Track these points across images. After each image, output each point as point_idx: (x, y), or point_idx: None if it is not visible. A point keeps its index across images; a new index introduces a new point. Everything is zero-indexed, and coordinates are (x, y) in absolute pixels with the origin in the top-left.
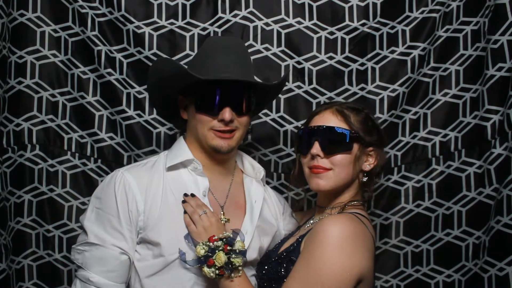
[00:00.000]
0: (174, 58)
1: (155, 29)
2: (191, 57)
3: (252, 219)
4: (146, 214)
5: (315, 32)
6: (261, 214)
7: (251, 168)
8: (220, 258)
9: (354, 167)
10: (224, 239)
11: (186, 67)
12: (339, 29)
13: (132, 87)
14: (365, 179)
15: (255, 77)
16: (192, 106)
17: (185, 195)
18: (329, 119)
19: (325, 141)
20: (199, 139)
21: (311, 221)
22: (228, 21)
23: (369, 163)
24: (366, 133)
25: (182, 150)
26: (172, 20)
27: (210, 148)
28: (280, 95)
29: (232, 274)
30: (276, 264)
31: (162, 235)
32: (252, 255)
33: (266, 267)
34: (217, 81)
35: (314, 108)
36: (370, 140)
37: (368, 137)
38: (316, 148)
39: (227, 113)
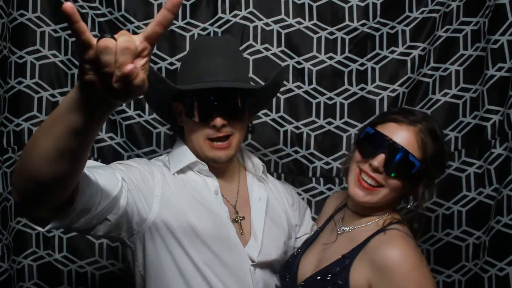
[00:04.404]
0: (174, 58)
1: None
2: None
3: (259, 218)
4: (162, 205)
5: (315, 32)
6: (269, 210)
7: (251, 165)
8: None
9: (402, 190)
10: None
11: (165, 77)
12: (339, 29)
13: None
14: (409, 205)
15: (253, 75)
16: (184, 114)
17: None
18: (407, 139)
19: (391, 160)
20: (195, 150)
21: (345, 228)
22: (228, 21)
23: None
24: (432, 168)
25: (184, 153)
26: None
27: (208, 159)
28: (280, 95)
29: None
30: (319, 285)
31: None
32: (270, 255)
33: (307, 282)
34: (203, 88)
35: (314, 108)
36: (434, 174)
37: (432, 171)
38: (378, 162)
39: (218, 119)
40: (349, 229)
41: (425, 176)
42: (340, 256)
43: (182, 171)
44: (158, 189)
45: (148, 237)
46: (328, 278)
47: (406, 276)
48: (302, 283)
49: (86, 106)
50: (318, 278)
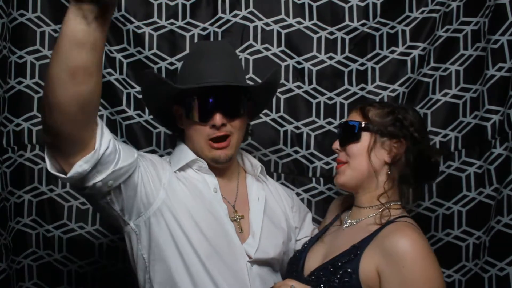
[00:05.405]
0: (174, 58)
1: (155, 29)
2: None
3: (257, 217)
4: (168, 194)
5: (315, 32)
6: (267, 210)
7: (250, 166)
8: None
9: (368, 157)
10: None
11: (165, 79)
12: (339, 29)
13: (132, 87)
14: (386, 168)
15: (253, 75)
16: (184, 115)
17: None
18: (351, 115)
19: (341, 135)
20: (196, 151)
21: (351, 221)
22: (228, 21)
23: (390, 154)
24: (382, 124)
25: (184, 153)
26: (172, 20)
27: (208, 159)
28: (280, 95)
29: None
30: (329, 272)
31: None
32: (267, 253)
33: (315, 273)
34: (203, 88)
35: (314, 108)
36: (388, 131)
37: (384, 127)
38: (336, 144)
39: (217, 118)
40: (355, 222)
41: (371, 131)
42: (350, 247)
43: (182, 169)
44: (166, 178)
45: (154, 221)
46: (338, 266)
47: (414, 263)
48: (311, 274)
49: (80, 14)
50: (327, 267)
